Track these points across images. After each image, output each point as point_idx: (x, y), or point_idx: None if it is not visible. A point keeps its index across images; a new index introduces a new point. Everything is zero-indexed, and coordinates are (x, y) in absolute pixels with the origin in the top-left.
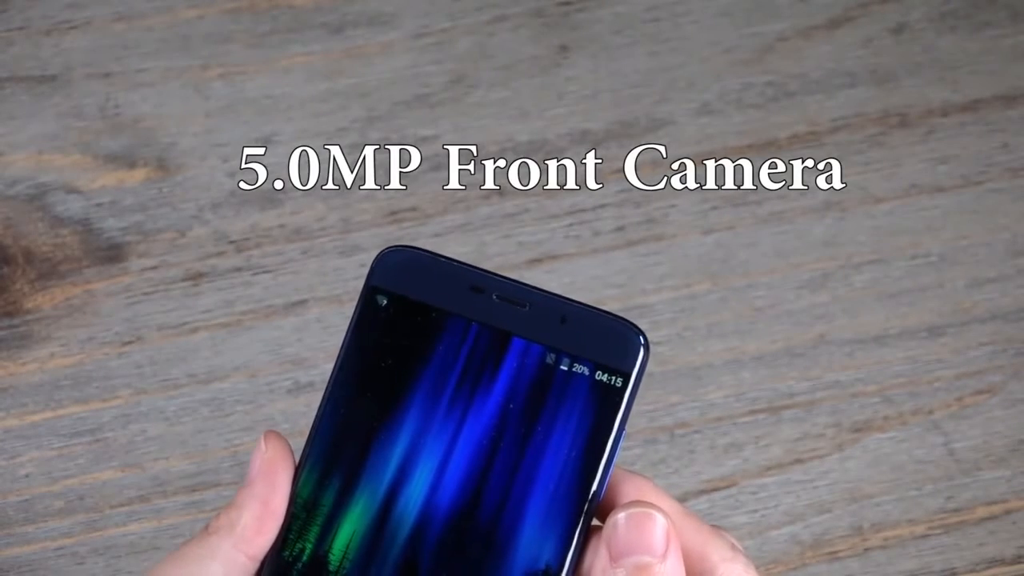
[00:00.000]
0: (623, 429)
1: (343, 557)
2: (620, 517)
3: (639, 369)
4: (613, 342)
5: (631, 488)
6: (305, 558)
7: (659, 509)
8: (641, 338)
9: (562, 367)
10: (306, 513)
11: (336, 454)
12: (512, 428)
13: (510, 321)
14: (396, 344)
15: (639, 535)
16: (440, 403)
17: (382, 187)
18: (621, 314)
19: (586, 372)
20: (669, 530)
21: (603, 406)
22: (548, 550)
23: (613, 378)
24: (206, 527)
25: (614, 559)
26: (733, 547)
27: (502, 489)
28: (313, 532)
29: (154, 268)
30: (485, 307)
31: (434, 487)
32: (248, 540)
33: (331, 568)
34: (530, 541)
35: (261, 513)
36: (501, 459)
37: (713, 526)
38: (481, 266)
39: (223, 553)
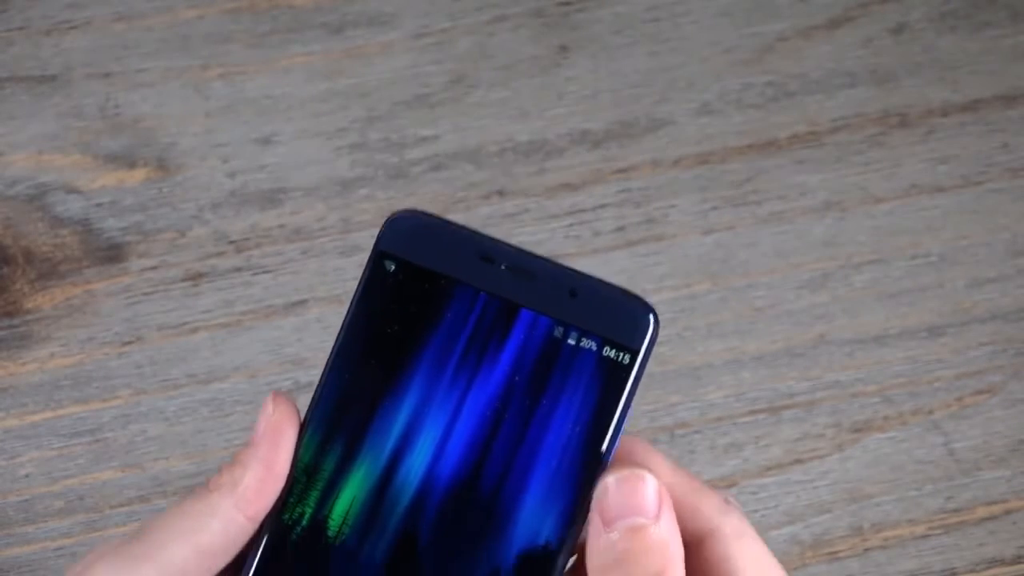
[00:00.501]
0: (629, 407)
1: (342, 523)
2: (610, 481)
3: (647, 346)
4: (622, 318)
5: (620, 447)
6: (305, 522)
7: (649, 470)
8: (651, 316)
9: (569, 341)
10: (307, 477)
11: (339, 420)
12: (517, 401)
13: (518, 292)
14: (402, 311)
15: (630, 497)
16: (445, 372)
17: (382, 187)
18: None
19: (593, 347)
20: (661, 490)
21: (609, 383)
22: (548, 526)
23: (621, 354)
24: (207, 483)
25: (607, 524)
26: (726, 501)
27: (504, 463)
28: (313, 497)
29: (154, 268)
30: (494, 277)
31: (436, 457)
32: (248, 501)
33: (330, 534)
34: (531, 516)
35: (263, 475)
36: (504, 433)
37: (705, 483)
38: (492, 235)
39: (223, 512)
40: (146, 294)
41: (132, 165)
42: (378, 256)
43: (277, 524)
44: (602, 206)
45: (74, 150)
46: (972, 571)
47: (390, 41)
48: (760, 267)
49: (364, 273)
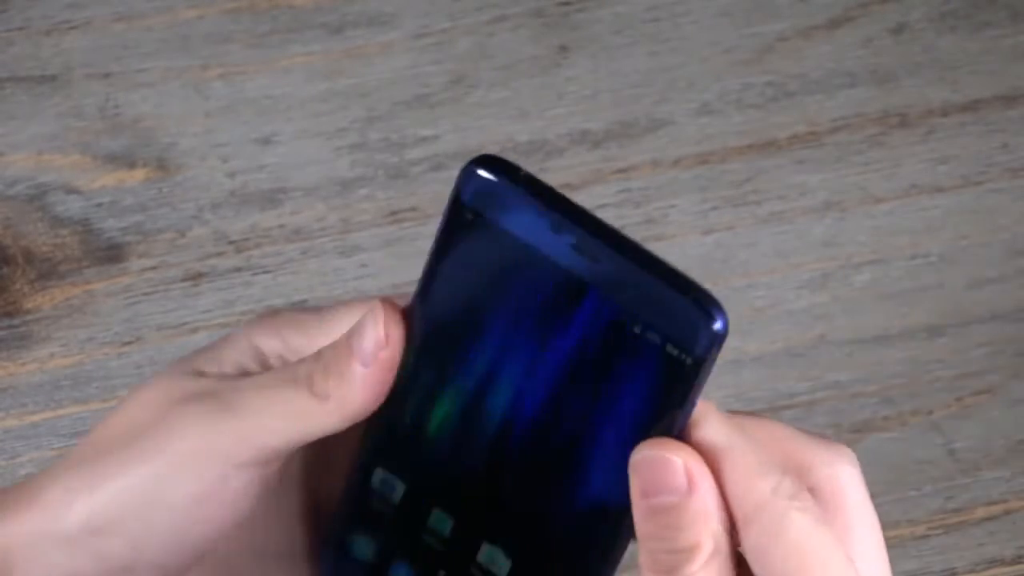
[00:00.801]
0: (692, 404)
1: (438, 430)
2: (638, 459)
3: (709, 355)
4: (683, 323)
5: None
6: (407, 421)
7: (679, 451)
8: (713, 325)
9: (634, 329)
10: (404, 387)
11: (426, 350)
12: (582, 374)
13: (586, 270)
14: (477, 264)
15: (658, 476)
16: (518, 333)
17: (382, 187)
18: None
19: (657, 341)
20: (690, 468)
21: (670, 379)
22: (616, 493)
23: (683, 355)
24: (310, 384)
25: (642, 496)
26: (773, 491)
27: (569, 433)
28: (412, 405)
29: (154, 268)
30: (564, 250)
31: (512, 409)
32: (353, 417)
33: (429, 436)
34: (598, 481)
35: (374, 400)
36: (570, 403)
37: (764, 455)
38: (568, 201)
39: (328, 424)
40: (146, 294)
41: (132, 165)
42: (455, 203)
43: (385, 419)
44: (602, 206)
45: (74, 150)
46: (972, 571)
47: (390, 41)
48: (760, 267)
49: (443, 216)
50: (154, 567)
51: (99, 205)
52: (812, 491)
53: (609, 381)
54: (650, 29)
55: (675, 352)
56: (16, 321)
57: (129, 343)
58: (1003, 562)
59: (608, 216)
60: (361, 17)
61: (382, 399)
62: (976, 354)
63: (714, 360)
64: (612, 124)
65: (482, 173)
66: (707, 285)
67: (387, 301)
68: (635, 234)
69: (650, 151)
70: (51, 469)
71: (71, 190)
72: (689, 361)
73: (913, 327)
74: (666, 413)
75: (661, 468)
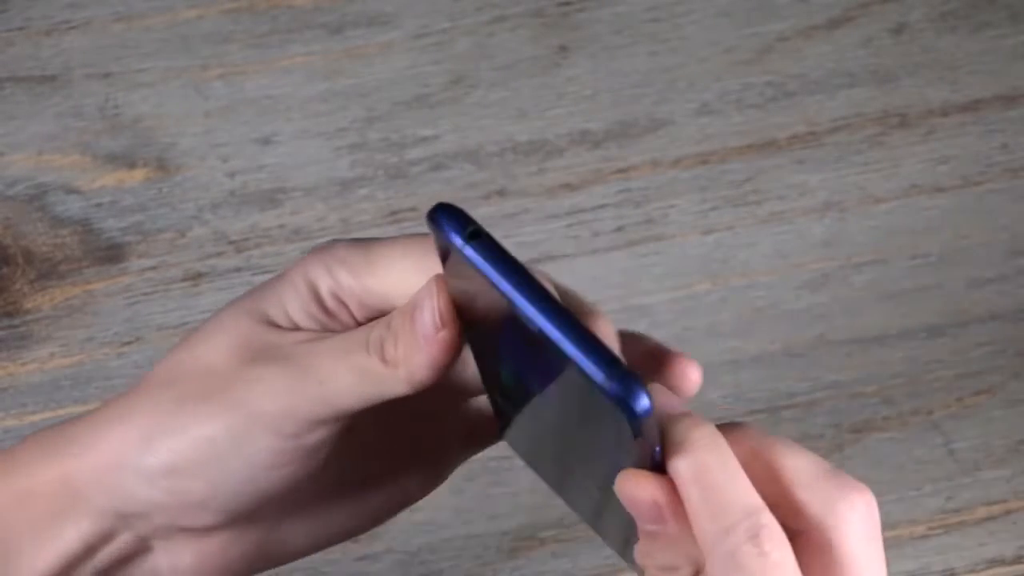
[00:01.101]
0: (654, 445)
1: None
2: (617, 491)
3: (637, 428)
4: (605, 400)
5: (666, 432)
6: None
7: (648, 487)
8: (631, 409)
9: (584, 388)
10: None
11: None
12: (564, 401)
13: (532, 328)
14: (464, 282)
15: (635, 508)
16: (514, 351)
17: (382, 187)
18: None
19: (596, 400)
20: (659, 504)
21: (623, 430)
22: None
23: (619, 419)
24: (381, 351)
25: (636, 519)
26: (726, 531)
27: (574, 438)
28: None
29: (154, 268)
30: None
31: (530, 406)
32: (421, 384)
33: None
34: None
35: (439, 371)
36: (566, 418)
37: (732, 492)
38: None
39: (397, 391)
40: (146, 294)
41: (132, 165)
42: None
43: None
44: (602, 206)
45: (74, 150)
46: (972, 571)
47: (390, 41)
48: (760, 267)
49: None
50: (228, 504)
51: (99, 205)
52: (800, 534)
53: (580, 417)
54: (650, 29)
55: (611, 414)
56: (16, 321)
57: (129, 343)
58: (1003, 562)
59: (608, 216)
60: (361, 17)
61: (448, 368)
62: (976, 354)
63: (650, 421)
64: (612, 124)
65: (437, 224)
66: (707, 285)
67: (442, 279)
68: (635, 234)
69: (650, 151)
70: (118, 406)
71: (71, 190)
72: (626, 427)
73: (913, 327)
74: (636, 445)
75: (634, 503)
